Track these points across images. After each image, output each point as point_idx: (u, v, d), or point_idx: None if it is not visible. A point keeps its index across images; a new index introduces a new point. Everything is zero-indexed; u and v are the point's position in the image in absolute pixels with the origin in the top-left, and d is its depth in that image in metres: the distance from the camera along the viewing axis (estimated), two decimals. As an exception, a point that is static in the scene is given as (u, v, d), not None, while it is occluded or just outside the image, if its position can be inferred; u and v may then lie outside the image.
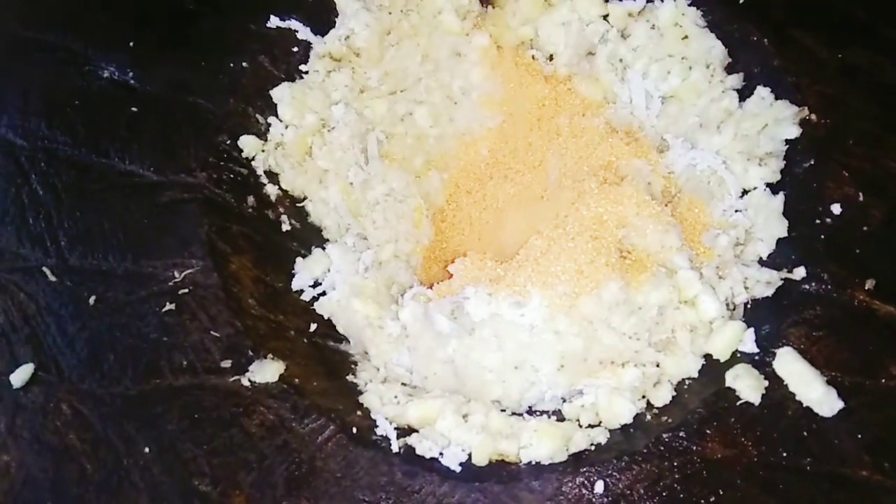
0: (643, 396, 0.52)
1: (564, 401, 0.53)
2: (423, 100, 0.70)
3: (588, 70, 0.70)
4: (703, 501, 0.46)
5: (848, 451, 0.47)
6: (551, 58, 0.71)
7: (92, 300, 0.53)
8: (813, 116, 0.59)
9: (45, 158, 0.59)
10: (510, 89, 0.71)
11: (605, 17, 0.69)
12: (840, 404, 0.48)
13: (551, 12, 0.70)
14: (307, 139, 0.64)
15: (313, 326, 0.57)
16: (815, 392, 0.48)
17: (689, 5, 0.65)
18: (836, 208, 0.55)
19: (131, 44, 0.64)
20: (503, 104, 0.71)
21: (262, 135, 0.64)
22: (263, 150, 0.63)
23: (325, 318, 0.57)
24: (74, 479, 0.48)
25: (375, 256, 0.61)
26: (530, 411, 0.53)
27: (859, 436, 0.48)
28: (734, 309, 0.55)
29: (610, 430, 0.50)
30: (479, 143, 0.71)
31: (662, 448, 0.47)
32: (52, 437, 0.49)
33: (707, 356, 0.53)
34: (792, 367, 0.49)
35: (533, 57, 0.72)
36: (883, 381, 0.49)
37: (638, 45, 0.68)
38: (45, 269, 0.55)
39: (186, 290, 0.54)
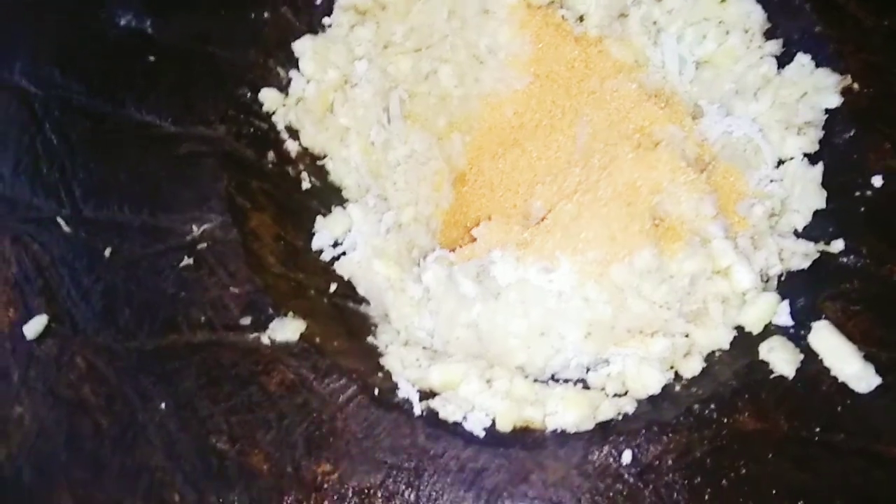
0: (672, 367, 0.51)
1: (589, 370, 0.52)
2: (448, 58, 0.67)
3: (620, 32, 0.68)
4: (732, 474, 0.45)
5: (883, 428, 0.46)
6: (581, 19, 0.69)
7: (107, 252, 0.52)
8: (856, 85, 0.57)
9: (60, 107, 0.58)
10: (539, 49, 0.69)
11: (640, -24, 0.67)
12: (877, 380, 0.47)
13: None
14: (329, 95, 0.62)
15: (333, 286, 0.55)
16: (851, 367, 0.47)
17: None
18: (877, 180, 0.53)
19: (149, -10, 0.62)
20: (531, 65, 0.69)
21: (284, 88, 0.62)
22: (284, 105, 0.61)
23: (346, 279, 0.56)
24: (89, 433, 0.47)
25: (396, 218, 0.60)
26: (555, 379, 0.52)
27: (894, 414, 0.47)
28: (768, 281, 0.53)
29: (638, 401, 0.49)
30: (504, 105, 0.69)
31: (692, 419, 0.46)
32: (67, 390, 0.48)
33: (739, 328, 0.51)
34: (828, 341, 0.47)
35: (563, 17, 0.69)
36: (921, 357, 0.48)
37: (673, 8, 0.65)
38: (59, 219, 0.53)
39: (205, 245, 0.53)
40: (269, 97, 0.60)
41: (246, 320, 0.50)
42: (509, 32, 0.68)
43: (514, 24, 0.68)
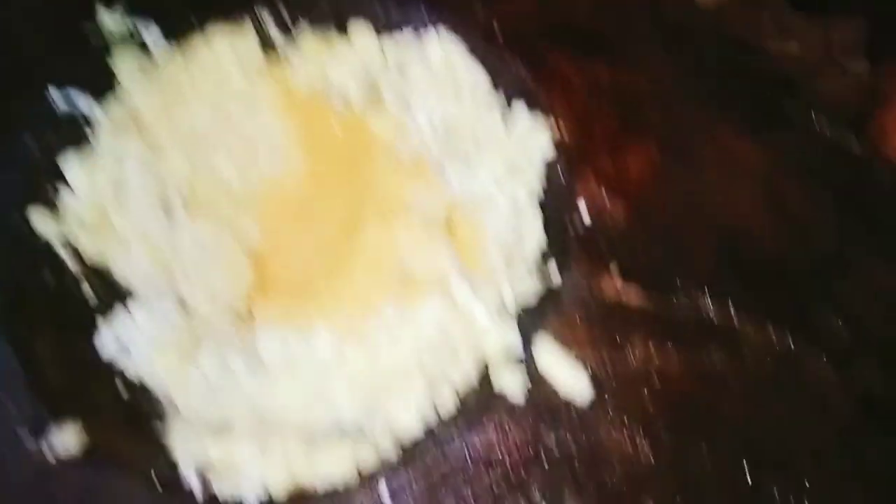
0: (433, 406, 0.57)
1: (362, 422, 0.57)
2: (220, 149, 0.72)
3: (378, 106, 0.75)
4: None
5: (602, 427, 0.54)
6: (343, 98, 0.76)
7: None
8: (565, 136, 0.66)
9: None
10: (307, 132, 0.75)
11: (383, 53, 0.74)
12: (592, 391, 0.55)
13: (333, 55, 0.74)
14: (102, 204, 0.66)
15: (120, 384, 0.58)
16: (571, 381, 0.55)
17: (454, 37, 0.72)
18: (585, 214, 0.62)
19: None
20: (302, 146, 0.75)
21: (54, 205, 0.65)
22: (57, 221, 0.64)
23: (130, 378, 0.59)
24: None
25: (184, 308, 0.64)
26: (331, 434, 0.57)
27: (612, 413, 0.55)
28: (508, 316, 0.61)
29: (401, 444, 0.55)
30: (284, 185, 0.75)
31: (436, 447, 0.53)
32: None
33: (484, 359, 0.59)
34: (551, 360, 0.56)
35: (324, 99, 0.76)
36: (631, 359, 0.57)
37: (414, 77, 0.73)
38: None
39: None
40: (39, 215, 0.63)
41: (29, 437, 0.53)
42: (276, 118, 0.74)
43: (279, 110, 0.75)
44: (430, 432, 0.55)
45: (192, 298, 0.65)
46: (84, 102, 0.68)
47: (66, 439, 0.53)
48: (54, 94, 0.67)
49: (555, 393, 0.55)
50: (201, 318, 0.64)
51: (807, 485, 0.54)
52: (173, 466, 0.54)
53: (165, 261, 0.67)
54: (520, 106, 0.69)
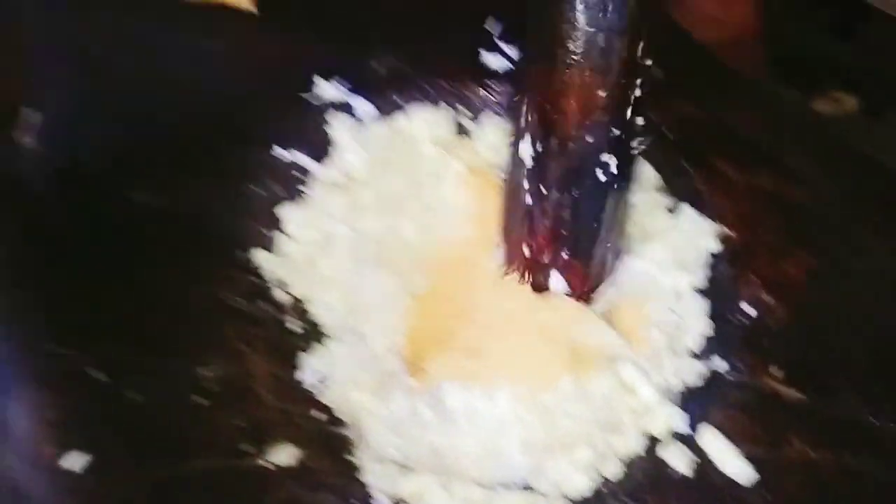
0: (597, 471, 0.63)
1: (529, 479, 0.63)
2: (407, 213, 0.81)
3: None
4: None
5: (761, 512, 0.59)
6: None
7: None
8: (730, 232, 0.72)
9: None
10: (480, 203, 0.84)
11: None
12: (755, 475, 0.59)
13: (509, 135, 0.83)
14: (310, 251, 0.76)
15: (320, 415, 0.66)
16: (733, 464, 0.60)
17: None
18: (749, 309, 0.68)
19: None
20: (475, 215, 0.84)
21: (271, 248, 0.75)
22: (272, 262, 0.74)
23: (328, 406, 0.67)
24: (121, 551, 0.57)
25: (370, 351, 0.72)
26: (503, 486, 0.63)
27: (770, 498, 0.59)
28: (670, 395, 0.66)
29: (571, 500, 0.60)
30: (454, 248, 0.83)
31: (605, 511, 0.58)
32: (97, 517, 0.58)
33: (648, 435, 0.64)
34: (713, 443, 0.60)
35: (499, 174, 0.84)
36: (787, 453, 0.61)
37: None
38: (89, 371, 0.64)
39: (211, 385, 0.64)
40: (260, 256, 0.73)
41: (248, 448, 0.61)
42: (456, 189, 0.83)
43: (459, 183, 0.84)
44: (597, 493, 0.60)
45: (373, 342, 0.74)
46: (304, 161, 0.78)
47: (279, 454, 0.61)
48: (278, 151, 0.78)
49: (718, 473, 0.60)
50: (387, 363, 0.72)
51: None
52: (367, 495, 0.61)
53: (354, 304, 0.76)
54: (686, 206, 0.75)
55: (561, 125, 0.58)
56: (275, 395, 0.66)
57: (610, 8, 0.51)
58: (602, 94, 0.57)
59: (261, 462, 0.61)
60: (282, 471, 0.61)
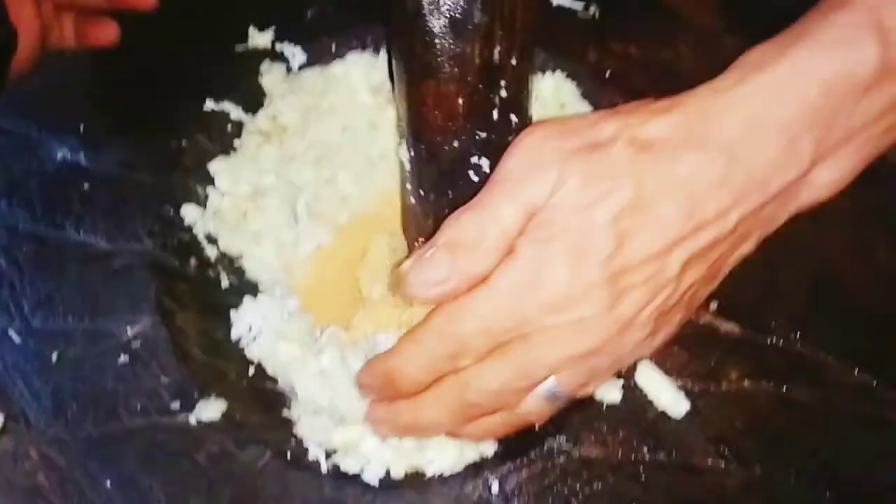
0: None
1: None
2: (345, 165, 0.80)
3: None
4: (580, 494, 0.56)
5: (694, 445, 0.58)
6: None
7: (54, 357, 0.61)
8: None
9: (7, 234, 0.67)
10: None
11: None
12: (687, 405, 0.59)
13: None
14: (242, 205, 0.74)
15: (251, 370, 0.65)
16: (667, 397, 0.59)
17: (566, 79, 0.78)
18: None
19: (82, 128, 0.73)
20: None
21: (202, 203, 0.73)
22: (203, 217, 0.72)
23: (257, 361, 0.66)
24: (44, 514, 0.56)
25: (301, 303, 0.70)
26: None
27: (704, 432, 0.59)
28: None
29: (499, 442, 0.59)
30: (395, 200, 0.81)
31: (545, 452, 0.58)
32: (23, 479, 0.56)
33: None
34: (648, 376, 0.60)
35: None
36: (724, 385, 0.61)
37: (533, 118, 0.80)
38: (10, 331, 0.62)
39: (138, 344, 0.62)
40: (189, 212, 0.71)
41: (176, 405, 0.60)
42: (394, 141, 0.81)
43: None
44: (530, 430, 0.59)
45: (306, 297, 0.72)
46: (235, 113, 0.76)
47: (207, 409, 0.60)
48: (209, 104, 0.76)
49: (652, 406, 0.60)
50: (318, 317, 0.70)
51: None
52: (301, 446, 0.60)
53: (288, 259, 0.74)
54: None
55: (426, 133, 0.57)
56: (204, 351, 0.65)
57: (459, 17, 0.50)
58: (461, 101, 0.56)
59: (191, 418, 0.59)
60: (213, 426, 0.59)
